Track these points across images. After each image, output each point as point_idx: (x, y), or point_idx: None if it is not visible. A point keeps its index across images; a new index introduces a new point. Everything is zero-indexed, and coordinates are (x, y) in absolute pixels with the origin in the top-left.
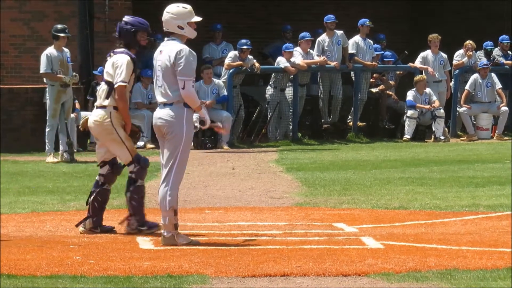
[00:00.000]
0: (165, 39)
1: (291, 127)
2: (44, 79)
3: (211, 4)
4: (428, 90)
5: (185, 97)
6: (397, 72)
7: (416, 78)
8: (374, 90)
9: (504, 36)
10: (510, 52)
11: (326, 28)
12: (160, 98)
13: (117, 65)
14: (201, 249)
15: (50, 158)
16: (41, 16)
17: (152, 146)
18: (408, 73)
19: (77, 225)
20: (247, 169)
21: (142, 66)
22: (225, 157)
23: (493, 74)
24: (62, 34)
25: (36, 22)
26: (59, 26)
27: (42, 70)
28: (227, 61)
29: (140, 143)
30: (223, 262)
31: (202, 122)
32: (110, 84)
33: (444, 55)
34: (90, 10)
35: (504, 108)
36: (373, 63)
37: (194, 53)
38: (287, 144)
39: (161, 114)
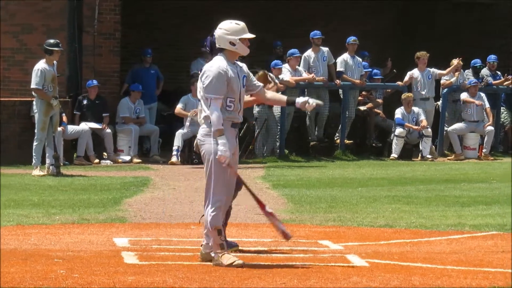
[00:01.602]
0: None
1: (278, 143)
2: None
3: (200, 19)
4: (416, 109)
5: (210, 115)
6: (386, 90)
7: (403, 96)
8: (362, 108)
9: (491, 55)
10: (498, 72)
11: (312, 44)
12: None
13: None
14: (185, 265)
15: (37, 171)
16: (30, 29)
17: (139, 160)
18: (396, 92)
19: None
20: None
21: (131, 81)
22: None
23: (482, 94)
24: (56, 49)
25: (25, 34)
26: (51, 40)
27: (33, 85)
28: None
29: (126, 158)
30: (208, 278)
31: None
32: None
33: (432, 70)
34: (79, 23)
35: (490, 128)
36: (362, 81)
37: (224, 71)
38: (274, 160)
39: (198, 134)
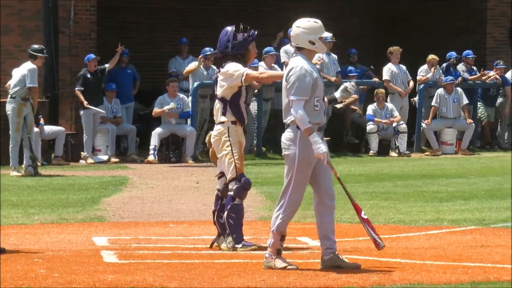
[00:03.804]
0: (293, 54)
1: (255, 141)
2: (12, 93)
3: (176, 18)
4: (390, 105)
5: (295, 117)
6: (361, 87)
7: (376, 91)
8: (338, 105)
9: (468, 51)
10: (474, 68)
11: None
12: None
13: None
14: (165, 263)
15: (15, 172)
16: (6, 31)
17: (116, 160)
18: (372, 88)
19: (210, 246)
20: (211, 183)
21: (107, 81)
22: (190, 171)
23: (459, 89)
24: (40, 55)
25: (1, 36)
26: (36, 46)
27: (35, 84)
28: (186, 68)
29: (104, 157)
30: (187, 276)
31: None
32: (223, 101)
33: (404, 67)
34: (54, 24)
35: (471, 124)
36: (337, 78)
37: (309, 72)
38: (251, 158)
39: (282, 137)
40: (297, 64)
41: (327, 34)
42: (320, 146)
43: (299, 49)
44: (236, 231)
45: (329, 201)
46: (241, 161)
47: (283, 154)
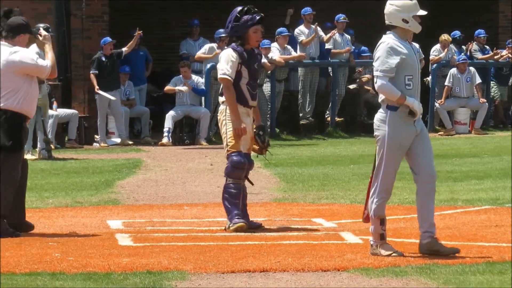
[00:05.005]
0: (387, 32)
1: (269, 123)
2: None
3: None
4: None
5: (381, 93)
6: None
7: None
8: (351, 86)
9: (480, 30)
10: (487, 47)
11: (304, 21)
12: None
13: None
14: (180, 245)
15: (28, 155)
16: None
17: (130, 142)
18: None
19: (225, 228)
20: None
21: (120, 63)
22: (203, 153)
23: (472, 69)
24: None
25: None
26: (41, 25)
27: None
28: (199, 53)
29: (117, 140)
30: (202, 258)
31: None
32: (222, 81)
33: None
34: (66, 7)
35: (484, 103)
36: (350, 58)
37: (394, 48)
38: None
39: (374, 117)
40: (385, 40)
41: (422, 12)
42: (416, 104)
43: (392, 27)
44: (229, 211)
45: (428, 184)
46: (236, 140)
47: (374, 135)
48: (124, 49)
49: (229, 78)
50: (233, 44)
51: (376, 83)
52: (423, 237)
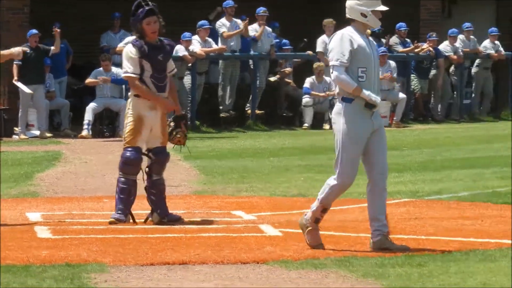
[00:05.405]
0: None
1: (189, 115)
2: None
3: None
4: (328, 79)
5: (337, 84)
6: (295, 60)
7: (315, 65)
8: (272, 79)
9: (401, 23)
10: (407, 40)
11: (225, 13)
12: None
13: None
14: (99, 238)
15: None
16: None
17: (50, 135)
18: (307, 61)
19: (145, 221)
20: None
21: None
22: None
23: (391, 62)
24: None
25: None
26: None
27: None
28: (120, 45)
29: (36, 132)
30: (121, 251)
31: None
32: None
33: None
34: None
35: (402, 95)
36: (272, 51)
37: (348, 39)
38: None
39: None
40: (339, 32)
41: (383, 8)
42: (371, 95)
43: (351, 21)
44: (116, 204)
45: (380, 182)
46: (134, 134)
47: (332, 127)
48: (52, 47)
49: (133, 76)
50: (134, 39)
51: (332, 73)
52: (374, 235)
